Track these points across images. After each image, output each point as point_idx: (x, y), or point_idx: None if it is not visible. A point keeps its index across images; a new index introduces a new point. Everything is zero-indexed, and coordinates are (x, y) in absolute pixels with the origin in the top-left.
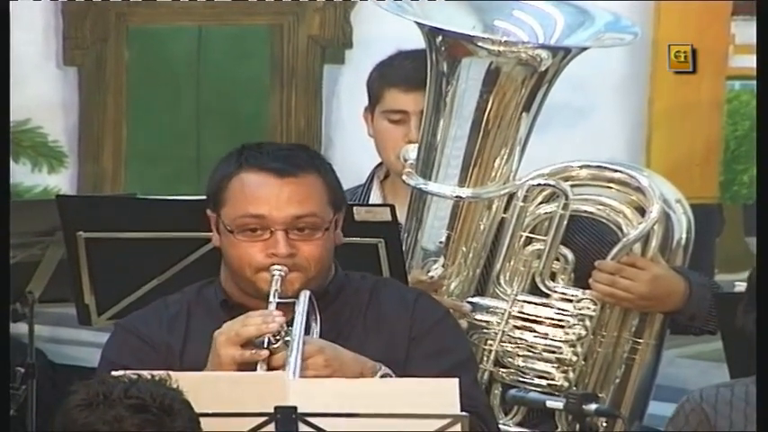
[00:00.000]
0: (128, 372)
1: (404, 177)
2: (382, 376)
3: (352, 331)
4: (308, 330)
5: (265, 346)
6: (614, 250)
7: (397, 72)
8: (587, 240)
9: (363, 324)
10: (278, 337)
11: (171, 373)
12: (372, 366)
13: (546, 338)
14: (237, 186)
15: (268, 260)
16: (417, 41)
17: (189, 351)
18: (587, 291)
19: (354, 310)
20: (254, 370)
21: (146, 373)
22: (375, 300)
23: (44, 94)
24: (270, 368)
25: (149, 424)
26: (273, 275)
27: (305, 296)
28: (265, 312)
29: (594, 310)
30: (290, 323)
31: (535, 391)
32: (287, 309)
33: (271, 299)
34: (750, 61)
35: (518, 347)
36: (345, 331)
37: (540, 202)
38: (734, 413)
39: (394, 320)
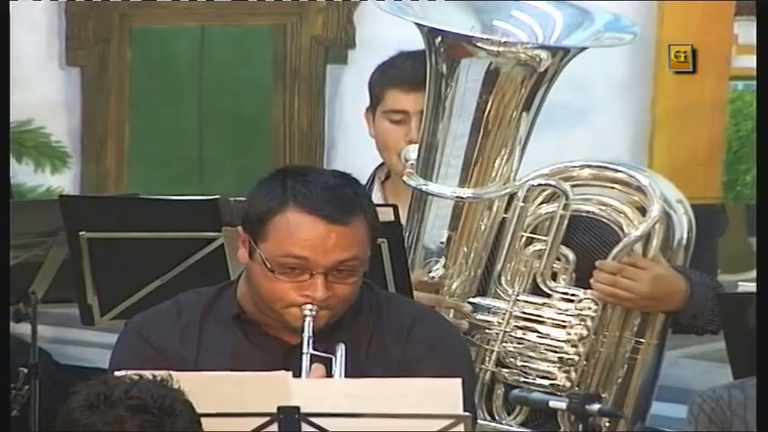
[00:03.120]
0: (129, 372)
1: (404, 178)
2: None
3: (356, 349)
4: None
5: None
6: (615, 250)
7: (398, 72)
8: (588, 240)
9: (368, 343)
10: None
11: (173, 373)
12: None
13: (548, 338)
14: (284, 224)
15: (302, 299)
16: (420, 42)
17: (202, 364)
18: (588, 291)
19: (363, 334)
20: None
21: (147, 374)
22: (378, 324)
23: (47, 95)
24: None
25: (150, 425)
26: (305, 316)
27: (341, 351)
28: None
29: (596, 310)
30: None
31: (538, 391)
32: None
33: (305, 349)
34: (753, 62)
35: (520, 348)
36: (354, 348)
37: (541, 203)
38: (748, 414)
39: (390, 345)
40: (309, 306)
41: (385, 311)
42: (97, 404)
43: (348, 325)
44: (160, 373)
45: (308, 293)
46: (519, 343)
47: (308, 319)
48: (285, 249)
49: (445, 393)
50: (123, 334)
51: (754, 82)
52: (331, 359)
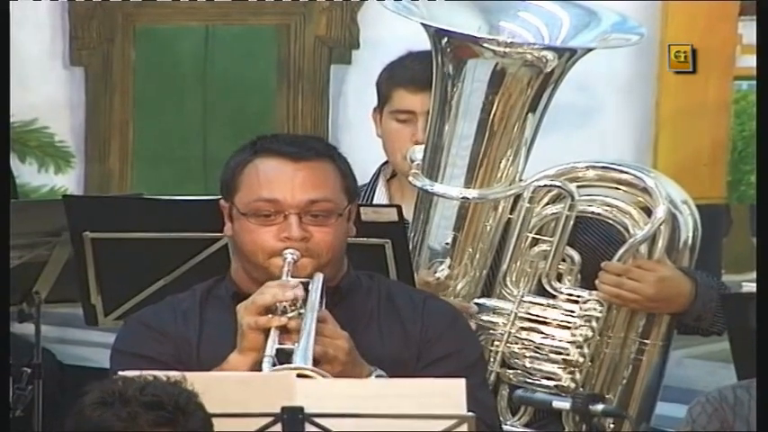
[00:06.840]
0: (143, 372)
1: (410, 178)
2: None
3: (367, 331)
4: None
5: (281, 313)
6: (620, 251)
7: (406, 72)
8: (594, 241)
9: (378, 324)
10: (293, 308)
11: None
12: (368, 370)
13: (552, 339)
14: (252, 172)
15: (281, 244)
16: (425, 42)
17: (205, 343)
18: (594, 292)
19: (368, 310)
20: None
21: (161, 374)
22: (388, 301)
23: (51, 94)
24: (284, 334)
25: (164, 421)
26: (286, 258)
27: (319, 276)
28: (282, 282)
29: (601, 312)
30: (304, 301)
31: (542, 391)
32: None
33: (283, 278)
34: None
35: (525, 348)
36: (359, 329)
37: (547, 203)
38: (752, 416)
39: (407, 322)
40: (290, 250)
41: (393, 292)
42: (111, 401)
43: (355, 304)
44: (173, 374)
45: (285, 235)
46: (524, 344)
47: (288, 259)
48: (256, 194)
49: (449, 394)
50: (123, 327)
51: None
52: (308, 283)
